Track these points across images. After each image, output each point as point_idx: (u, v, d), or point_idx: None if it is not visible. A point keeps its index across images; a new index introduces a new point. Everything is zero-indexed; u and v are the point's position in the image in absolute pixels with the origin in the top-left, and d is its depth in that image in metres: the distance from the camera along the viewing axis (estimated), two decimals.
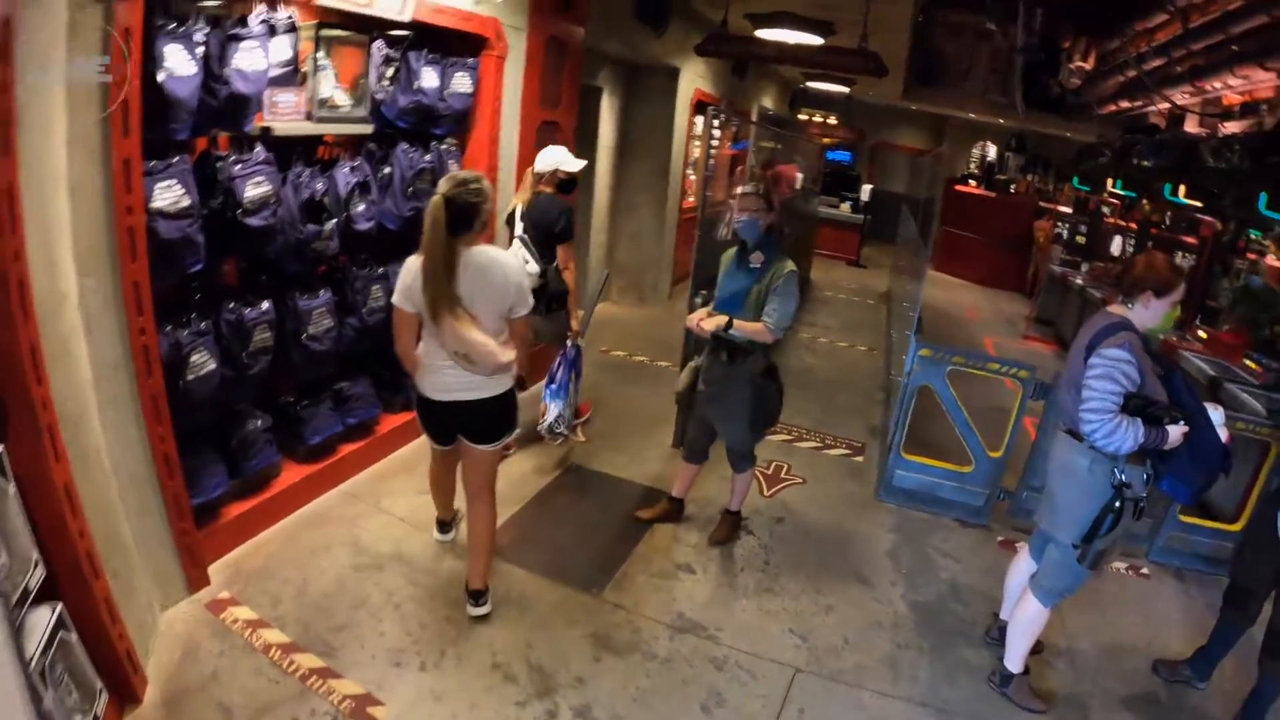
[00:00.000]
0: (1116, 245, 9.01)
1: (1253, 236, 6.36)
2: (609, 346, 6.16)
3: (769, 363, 3.27)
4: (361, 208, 3.21)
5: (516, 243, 3.80)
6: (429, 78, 3.51)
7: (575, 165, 3.89)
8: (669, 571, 3.30)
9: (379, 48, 3.38)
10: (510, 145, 4.26)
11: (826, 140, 13.14)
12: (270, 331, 2.97)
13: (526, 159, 4.35)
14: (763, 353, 3.23)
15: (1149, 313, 2.47)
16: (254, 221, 2.74)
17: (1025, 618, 2.71)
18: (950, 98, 10.17)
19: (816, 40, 6.03)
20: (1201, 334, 5.69)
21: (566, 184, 3.88)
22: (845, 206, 12.24)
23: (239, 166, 2.70)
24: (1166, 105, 6.96)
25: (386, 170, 3.48)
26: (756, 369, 3.21)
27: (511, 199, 4.09)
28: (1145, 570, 3.84)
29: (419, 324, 2.55)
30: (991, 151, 12.20)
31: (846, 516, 3.98)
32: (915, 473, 4.12)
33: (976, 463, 4.01)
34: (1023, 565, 2.94)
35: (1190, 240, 7.31)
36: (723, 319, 3.10)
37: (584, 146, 4.65)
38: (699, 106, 7.50)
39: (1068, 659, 3.07)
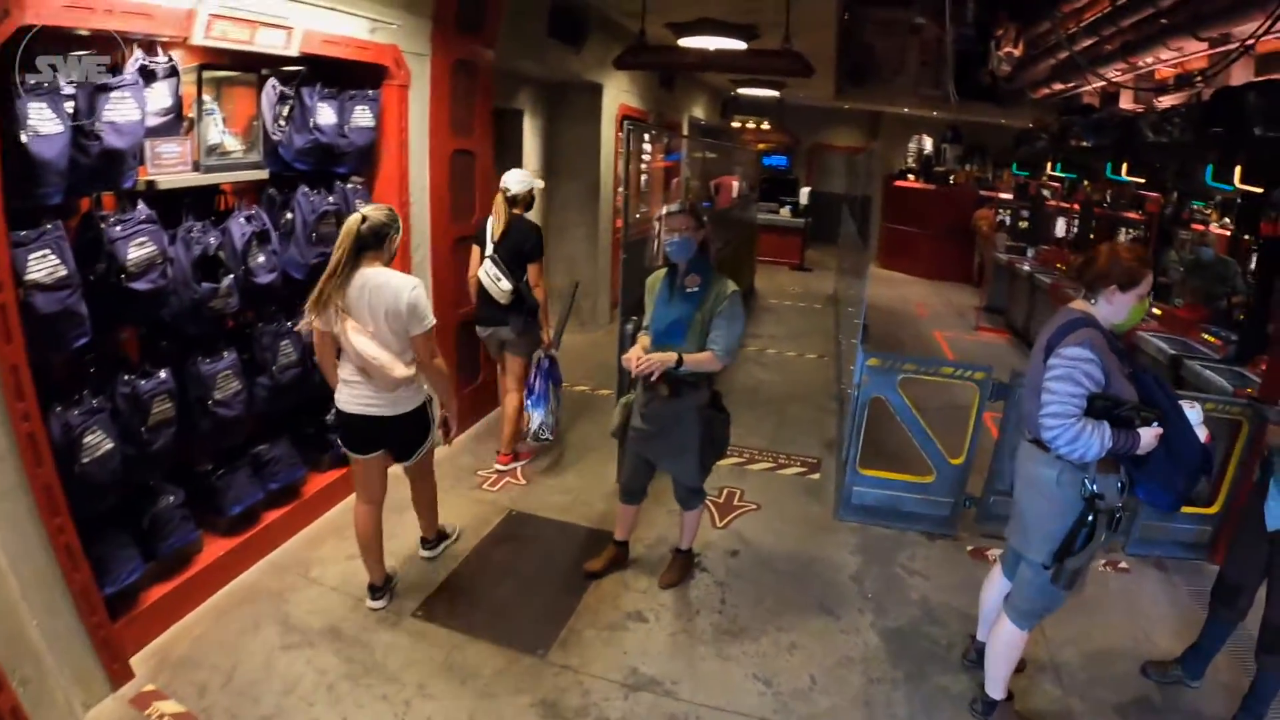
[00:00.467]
0: (1060, 227, 9.45)
1: (1195, 207, 6.68)
2: None
3: (714, 390, 3.25)
4: (261, 259, 3.15)
5: (488, 262, 4.14)
6: (326, 114, 3.48)
7: (540, 183, 4.40)
8: (618, 623, 3.26)
9: (272, 86, 3.35)
10: (421, 179, 4.24)
11: (762, 146, 13.43)
12: (171, 402, 2.88)
13: (440, 192, 4.35)
14: (707, 381, 3.19)
15: (1114, 308, 2.41)
16: (140, 285, 2.66)
17: (1002, 642, 2.65)
18: (883, 94, 10.53)
19: (739, 45, 6.18)
20: (1155, 310, 5.92)
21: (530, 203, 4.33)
22: (785, 211, 12.49)
23: (119, 227, 2.62)
24: (1100, 84, 7.32)
25: (288, 216, 3.43)
26: (702, 400, 3.16)
27: (422, 232, 4.24)
28: (1124, 564, 3.92)
29: (336, 343, 2.89)
30: (928, 144, 12.62)
31: (806, 541, 3.99)
32: (874, 488, 4.17)
33: (938, 472, 4.06)
34: (997, 583, 2.90)
35: (1133, 216, 7.67)
36: (670, 357, 2.93)
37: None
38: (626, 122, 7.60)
39: (1052, 673, 3.07)
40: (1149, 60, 6.13)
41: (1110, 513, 2.38)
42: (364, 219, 2.77)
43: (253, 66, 3.31)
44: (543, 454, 4.74)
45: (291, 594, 3.30)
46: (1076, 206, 8.62)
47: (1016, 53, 8.61)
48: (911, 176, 12.31)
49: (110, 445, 2.65)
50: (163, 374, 2.84)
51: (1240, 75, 5.68)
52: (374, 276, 2.80)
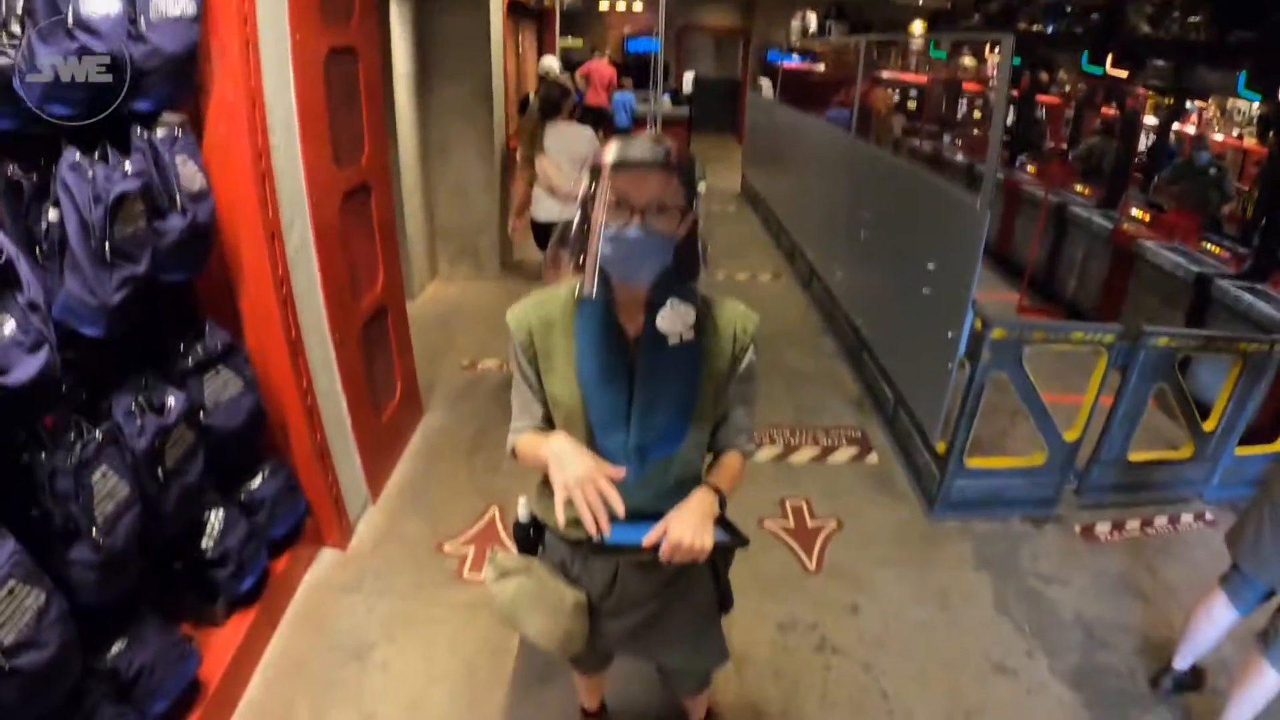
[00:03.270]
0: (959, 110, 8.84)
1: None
2: (470, 356, 4.53)
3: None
4: (8, 330, 1.37)
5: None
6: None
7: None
8: None
9: None
10: (283, 102, 2.36)
11: (627, 29, 11.57)
12: None
13: (314, 121, 2.56)
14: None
15: None
16: None
17: (1262, 691, 2.06)
18: None
19: None
20: (1138, 214, 5.22)
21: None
22: (665, 100, 10.92)
23: None
24: None
25: (52, 217, 1.61)
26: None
27: (295, 194, 2.57)
28: (1209, 515, 3.36)
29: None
30: (812, 22, 11.34)
31: (921, 566, 2.95)
32: (978, 479, 3.17)
33: (1050, 451, 3.13)
34: (1220, 618, 2.27)
35: (1050, 100, 7.01)
36: (709, 503, 1.28)
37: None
38: (513, 5, 5.68)
39: (1226, 675, 2.47)
40: None
41: None
42: (539, 94, 4.01)
43: None
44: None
45: None
46: (1017, 94, 7.86)
47: None
48: (797, 57, 11.05)
49: None
50: None
51: None
52: (562, 129, 3.88)
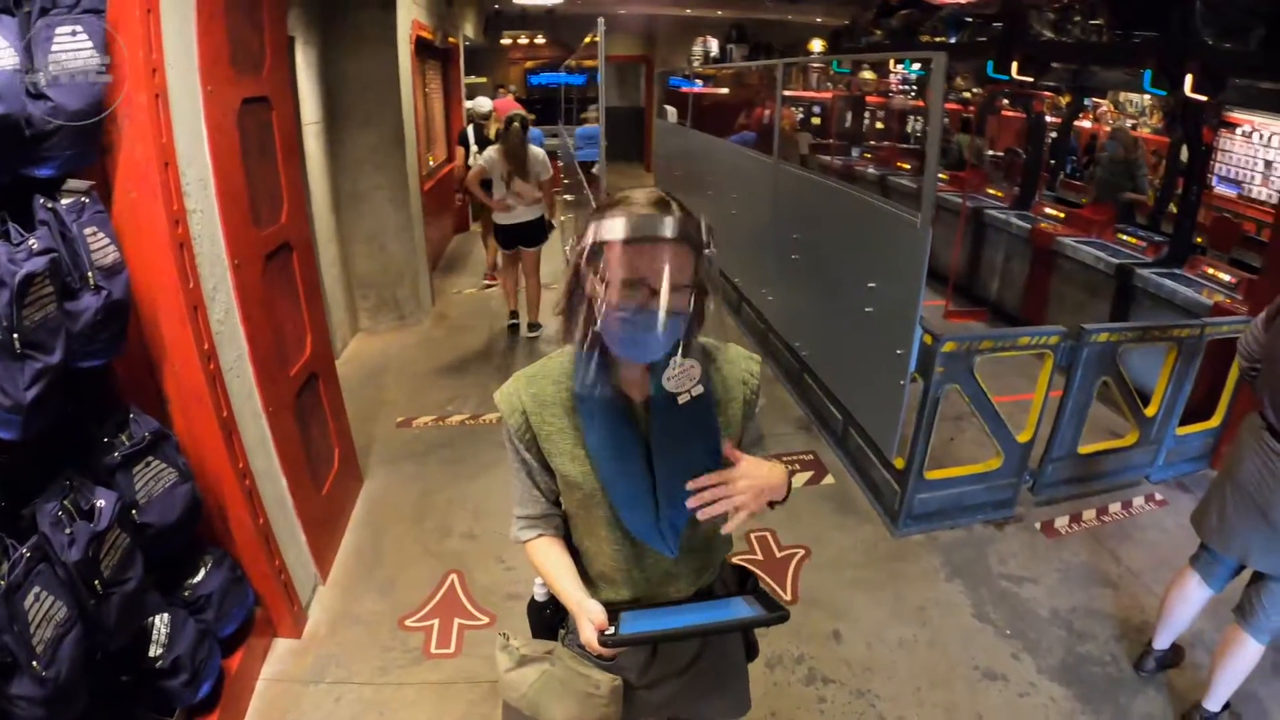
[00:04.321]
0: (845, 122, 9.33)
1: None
2: (403, 412, 4.36)
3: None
4: None
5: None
6: None
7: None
8: None
9: None
10: (197, 160, 2.22)
11: (529, 64, 11.61)
12: None
13: (231, 177, 2.42)
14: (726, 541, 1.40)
15: None
16: None
17: (1244, 662, 2.21)
18: None
19: None
20: (1052, 211, 5.55)
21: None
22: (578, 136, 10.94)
23: None
24: None
25: None
26: (727, 572, 1.46)
27: (215, 258, 2.29)
28: (1159, 496, 3.58)
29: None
30: (714, 46, 11.66)
31: (893, 583, 2.99)
32: (938, 490, 3.25)
33: (1005, 455, 3.25)
34: (1195, 597, 2.40)
35: (954, 108, 7.40)
36: (776, 481, 1.20)
37: None
38: (420, 45, 5.60)
39: (1201, 649, 2.63)
40: None
41: None
42: (521, 122, 4.99)
43: None
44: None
45: None
46: (921, 104, 8.24)
47: None
48: (700, 82, 11.32)
49: None
50: None
51: None
52: (531, 150, 5.04)
